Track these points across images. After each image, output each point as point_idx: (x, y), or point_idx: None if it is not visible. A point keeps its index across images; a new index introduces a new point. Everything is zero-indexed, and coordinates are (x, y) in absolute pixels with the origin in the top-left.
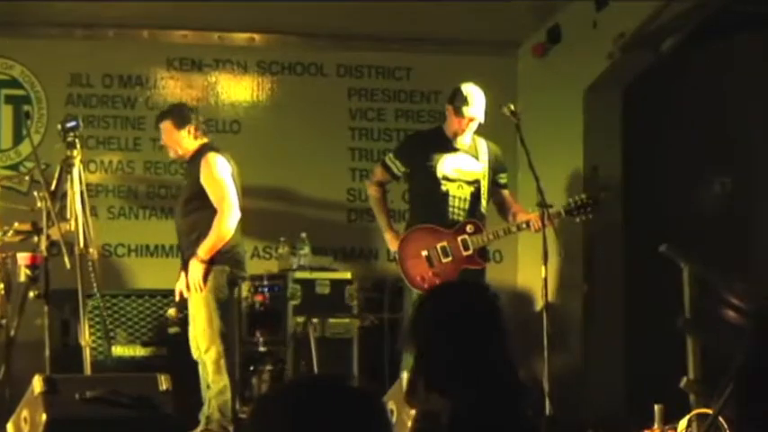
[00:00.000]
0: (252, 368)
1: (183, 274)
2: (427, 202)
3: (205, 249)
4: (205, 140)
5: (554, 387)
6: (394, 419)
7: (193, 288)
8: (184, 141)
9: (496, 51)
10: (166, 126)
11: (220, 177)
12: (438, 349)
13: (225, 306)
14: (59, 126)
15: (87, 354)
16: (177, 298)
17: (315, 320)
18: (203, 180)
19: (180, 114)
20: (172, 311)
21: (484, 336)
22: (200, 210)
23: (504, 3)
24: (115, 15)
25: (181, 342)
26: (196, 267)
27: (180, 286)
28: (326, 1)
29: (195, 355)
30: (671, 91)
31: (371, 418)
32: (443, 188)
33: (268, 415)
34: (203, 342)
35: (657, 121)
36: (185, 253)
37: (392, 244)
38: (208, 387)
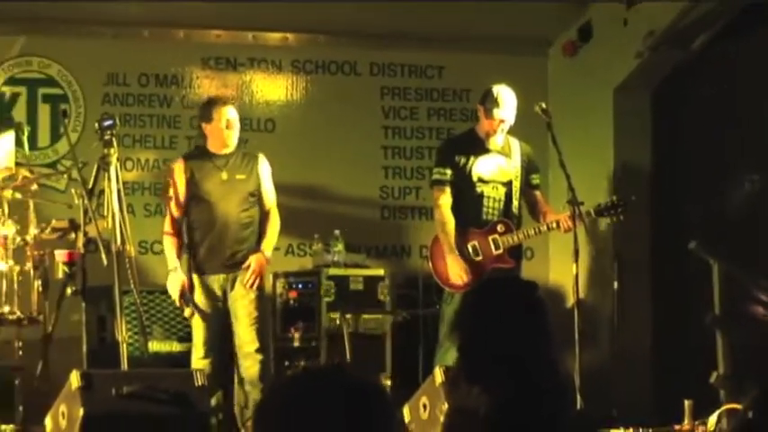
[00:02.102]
0: (287, 363)
1: (178, 273)
2: (462, 203)
3: (271, 248)
4: None
5: (584, 382)
6: (427, 414)
7: (256, 285)
8: None
9: (528, 50)
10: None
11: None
12: (481, 343)
13: None
14: (96, 124)
15: (124, 349)
16: (182, 295)
17: (348, 316)
18: (265, 179)
19: None
20: (188, 311)
21: (526, 332)
22: (254, 206)
23: (536, 1)
24: (150, 15)
25: None
26: (264, 265)
27: (182, 281)
28: (360, 1)
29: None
30: (700, 89)
31: (371, 409)
32: (478, 190)
33: (268, 412)
34: (260, 341)
35: (686, 120)
36: (234, 247)
37: (459, 265)
38: (247, 383)
